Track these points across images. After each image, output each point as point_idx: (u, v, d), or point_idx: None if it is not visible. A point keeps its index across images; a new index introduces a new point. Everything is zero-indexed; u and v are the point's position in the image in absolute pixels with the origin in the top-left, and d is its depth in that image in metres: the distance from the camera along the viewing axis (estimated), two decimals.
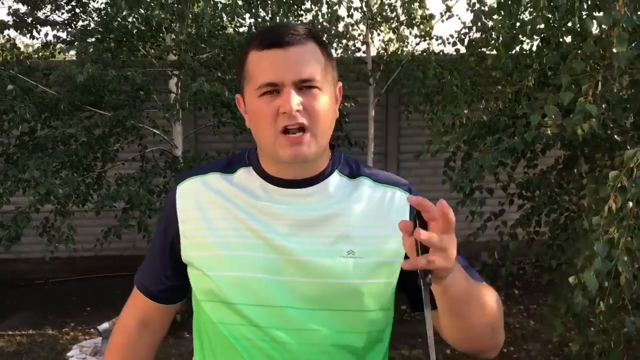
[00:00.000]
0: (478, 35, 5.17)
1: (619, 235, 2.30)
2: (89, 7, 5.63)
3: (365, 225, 1.20)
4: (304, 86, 1.13)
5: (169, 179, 5.09)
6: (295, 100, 1.11)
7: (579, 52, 2.73)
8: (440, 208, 0.93)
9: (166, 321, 1.42)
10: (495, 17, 4.37)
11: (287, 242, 1.18)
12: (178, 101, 4.42)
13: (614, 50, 2.48)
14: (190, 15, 4.65)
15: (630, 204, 2.34)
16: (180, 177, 1.31)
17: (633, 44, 2.60)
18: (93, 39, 4.98)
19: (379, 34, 6.43)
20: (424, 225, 0.96)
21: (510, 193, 4.17)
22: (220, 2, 4.49)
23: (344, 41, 6.10)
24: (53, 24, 5.35)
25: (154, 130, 5.32)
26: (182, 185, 1.27)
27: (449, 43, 5.80)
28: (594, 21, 2.68)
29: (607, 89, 2.70)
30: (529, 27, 3.79)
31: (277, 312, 1.18)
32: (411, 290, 1.21)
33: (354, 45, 6.25)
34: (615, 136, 3.71)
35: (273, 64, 1.13)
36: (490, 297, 1.17)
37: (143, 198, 4.34)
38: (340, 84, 1.25)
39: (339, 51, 6.22)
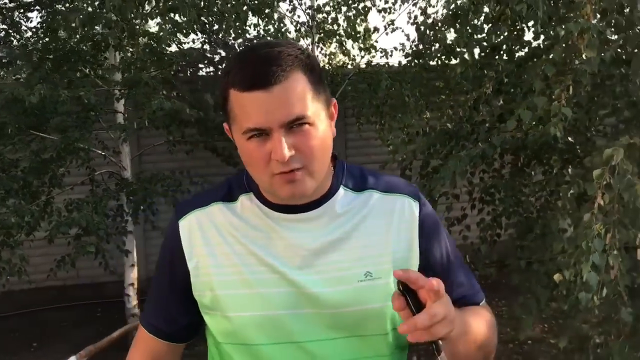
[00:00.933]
0: (421, 46, 5.34)
1: (605, 231, 2.40)
2: (21, 25, 5.39)
3: (379, 242, 1.16)
4: (294, 125, 1.04)
5: (122, 202, 4.90)
6: (287, 146, 1.02)
7: (549, 58, 2.84)
8: (430, 287, 0.93)
9: (178, 357, 1.33)
10: (451, 30, 4.53)
11: (303, 275, 1.12)
12: (135, 120, 4.26)
13: (585, 56, 2.61)
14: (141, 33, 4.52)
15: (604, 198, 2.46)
16: (179, 209, 1.22)
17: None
18: (34, 59, 4.73)
19: (322, 49, 6.49)
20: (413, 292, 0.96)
21: (473, 198, 4.28)
22: (169, 20, 4.37)
23: None
24: None
25: (102, 153, 5.12)
26: (185, 220, 1.19)
27: (402, 55, 5.92)
28: (561, 28, 2.80)
29: (575, 92, 2.83)
30: (486, 38, 3.97)
31: (300, 347, 1.13)
32: None
33: None
34: (569, 138, 3.89)
35: (258, 109, 1.02)
36: (484, 326, 1.17)
37: (100, 223, 4.14)
38: (334, 100, 1.16)
39: None
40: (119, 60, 5.06)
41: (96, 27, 4.50)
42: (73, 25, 3.85)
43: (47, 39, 5.11)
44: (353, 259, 1.13)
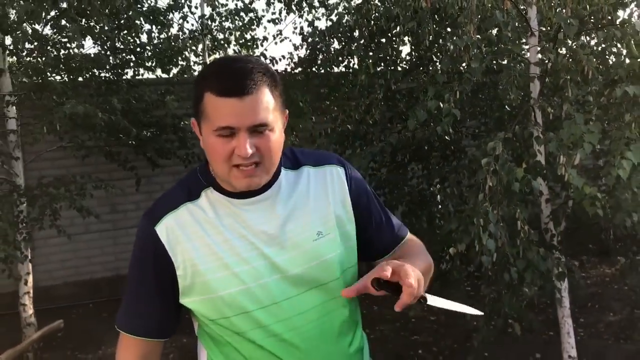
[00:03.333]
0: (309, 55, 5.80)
1: (492, 208, 2.98)
2: None
3: (321, 206, 1.42)
4: (257, 129, 1.25)
5: (22, 209, 4.83)
6: (249, 145, 1.24)
7: (439, 66, 3.40)
8: (385, 271, 1.23)
9: (160, 354, 1.48)
10: (335, 40, 5.03)
11: (269, 248, 1.35)
12: (45, 124, 4.26)
13: (472, 65, 3.19)
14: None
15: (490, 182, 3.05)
16: (150, 217, 1.37)
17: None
18: None
19: (214, 55, 6.75)
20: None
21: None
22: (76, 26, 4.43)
23: (183, 63, 6.30)
24: None
25: None
26: (161, 225, 1.35)
27: (289, 64, 6.30)
28: (449, 42, 3.37)
29: (460, 97, 3.41)
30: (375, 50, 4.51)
31: (279, 307, 1.36)
32: (362, 243, 1.50)
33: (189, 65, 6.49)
34: (446, 137, 4.55)
35: (231, 112, 1.22)
36: (424, 254, 1.54)
37: (9, 229, 4.10)
38: (287, 111, 1.39)
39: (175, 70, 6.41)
40: (7, 66, 4.99)
41: None
42: None
43: None
44: (305, 223, 1.39)
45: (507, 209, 2.97)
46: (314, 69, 5.76)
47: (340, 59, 5.36)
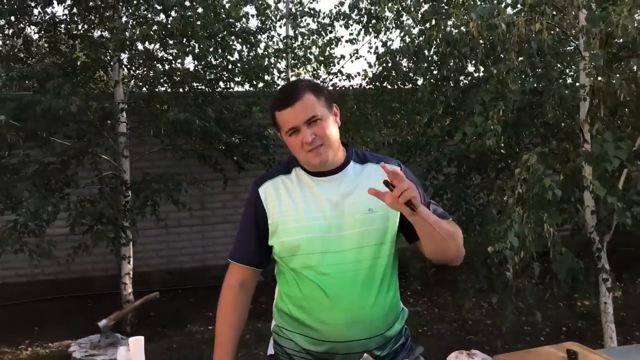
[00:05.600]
0: (382, 72, 6.35)
1: (522, 212, 3.42)
2: (32, 44, 6.12)
3: (375, 188, 1.80)
4: (311, 121, 1.77)
5: (128, 199, 5.69)
6: (309, 134, 1.77)
7: (486, 88, 3.88)
8: (390, 170, 1.64)
9: (255, 282, 2.02)
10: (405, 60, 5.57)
11: (332, 212, 1.84)
12: (152, 128, 5.09)
13: (511, 87, 3.65)
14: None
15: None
16: (256, 182, 1.95)
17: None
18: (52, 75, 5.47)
19: (295, 72, 7.46)
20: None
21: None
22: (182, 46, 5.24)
23: (268, 78, 7.03)
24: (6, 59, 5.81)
25: (107, 158, 5.90)
26: (262, 187, 1.92)
27: (363, 80, 6.87)
28: (493, 68, 3.84)
29: (505, 115, 3.86)
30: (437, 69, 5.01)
31: (333, 255, 1.84)
32: (406, 228, 1.87)
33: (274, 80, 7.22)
34: (502, 150, 4.96)
35: (290, 117, 1.78)
36: (450, 225, 1.83)
37: (118, 215, 4.92)
38: (335, 104, 1.89)
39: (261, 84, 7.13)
40: (120, 78, 5.89)
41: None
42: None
43: (54, 58, 5.87)
44: (361, 200, 1.84)
45: (537, 215, 3.39)
46: (386, 84, 6.30)
47: (411, 75, 5.90)
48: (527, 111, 4.17)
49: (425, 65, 4.99)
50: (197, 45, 5.56)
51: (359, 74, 7.00)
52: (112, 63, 5.56)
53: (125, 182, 5.87)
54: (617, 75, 3.62)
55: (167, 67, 5.55)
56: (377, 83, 6.32)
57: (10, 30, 5.56)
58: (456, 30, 4.63)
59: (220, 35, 5.75)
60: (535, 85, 3.90)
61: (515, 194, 3.35)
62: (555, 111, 3.71)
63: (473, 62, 4.52)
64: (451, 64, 4.94)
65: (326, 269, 1.85)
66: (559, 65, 4.01)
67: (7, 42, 5.93)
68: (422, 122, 5.05)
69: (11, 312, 6.88)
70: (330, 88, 7.24)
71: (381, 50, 6.58)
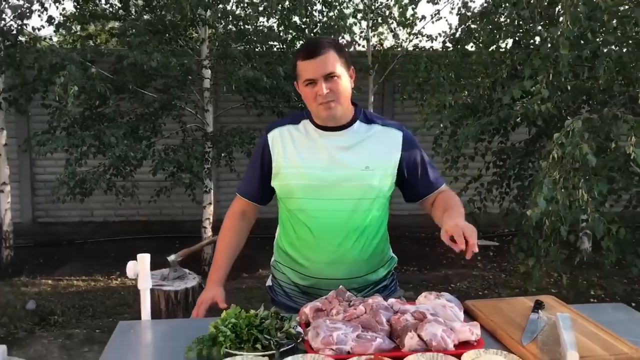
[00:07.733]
0: (461, 35, 6.30)
1: (559, 176, 3.43)
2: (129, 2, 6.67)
3: (376, 151, 2.04)
4: (329, 76, 1.93)
5: (207, 150, 6.17)
6: (325, 87, 1.92)
7: (538, 51, 3.85)
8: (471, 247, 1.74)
9: (255, 215, 2.26)
10: (477, 22, 5.52)
11: (331, 163, 2.02)
12: (225, 85, 5.48)
13: (561, 52, 3.62)
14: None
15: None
16: (268, 128, 2.13)
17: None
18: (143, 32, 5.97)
19: (375, 32, 7.54)
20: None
21: (487, 161, 5.31)
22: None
23: (347, 37, 7.16)
24: (105, 17, 6.40)
25: (192, 111, 6.39)
26: (271, 133, 2.10)
27: (437, 41, 6.88)
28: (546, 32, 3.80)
29: (557, 79, 3.83)
30: (504, 30, 4.96)
31: (324, 201, 2.04)
32: (406, 188, 2.15)
33: (355, 41, 7.34)
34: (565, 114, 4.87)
35: (310, 68, 1.94)
36: (458, 201, 2.09)
37: (193, 163, 5.38)
38: (352, 67, 2.04)
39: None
40: (207, 36, 6.30)
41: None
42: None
43: (148, 16, 6.38)
44: (360, 157, 2.03)
45: (572, 180, 3.40)
46: (465, 46, 6.25)
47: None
48: (580, 78, 4.08)
49: (490, 27, 4.94)
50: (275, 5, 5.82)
51: (440, 34, 6.96)
52: (196, 22, 5.96)
53: (207, 134, 6.34)
54: None
55: (242, 26, 5.87)
56: (456, 45, 6.28)
57: None
58: None
59: None
60: (589, 52, 3.80)
61: (550, 157, 3.37)
62: (607, 76, 3.62)
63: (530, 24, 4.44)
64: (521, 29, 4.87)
65: (316, 214, 2.06)
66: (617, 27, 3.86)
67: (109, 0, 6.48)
68: (486, 86, 5.04)
69: (109, 247, 7.72)
70: (410, 49, 7.29)
71: (462, 11, 6.50)
